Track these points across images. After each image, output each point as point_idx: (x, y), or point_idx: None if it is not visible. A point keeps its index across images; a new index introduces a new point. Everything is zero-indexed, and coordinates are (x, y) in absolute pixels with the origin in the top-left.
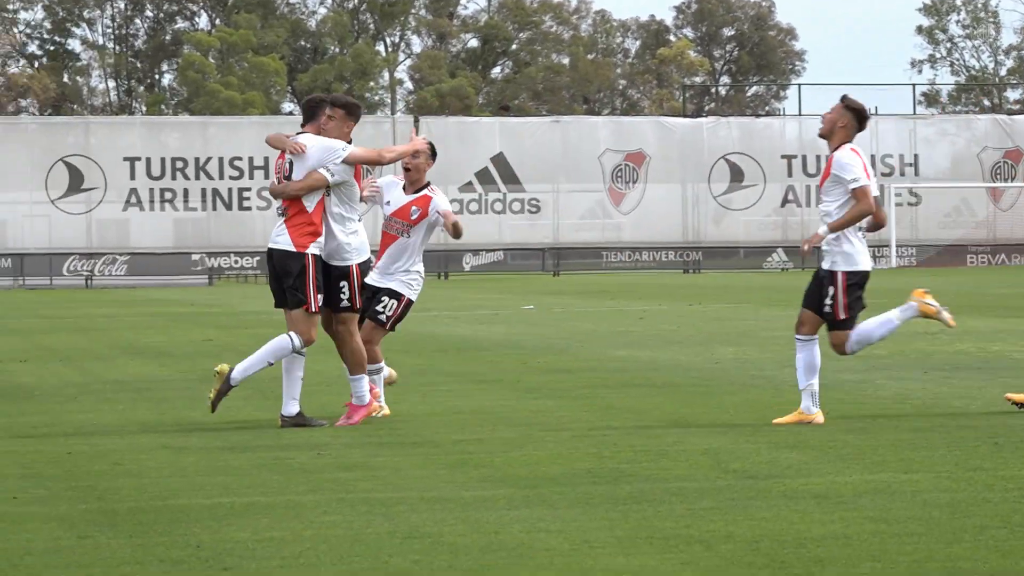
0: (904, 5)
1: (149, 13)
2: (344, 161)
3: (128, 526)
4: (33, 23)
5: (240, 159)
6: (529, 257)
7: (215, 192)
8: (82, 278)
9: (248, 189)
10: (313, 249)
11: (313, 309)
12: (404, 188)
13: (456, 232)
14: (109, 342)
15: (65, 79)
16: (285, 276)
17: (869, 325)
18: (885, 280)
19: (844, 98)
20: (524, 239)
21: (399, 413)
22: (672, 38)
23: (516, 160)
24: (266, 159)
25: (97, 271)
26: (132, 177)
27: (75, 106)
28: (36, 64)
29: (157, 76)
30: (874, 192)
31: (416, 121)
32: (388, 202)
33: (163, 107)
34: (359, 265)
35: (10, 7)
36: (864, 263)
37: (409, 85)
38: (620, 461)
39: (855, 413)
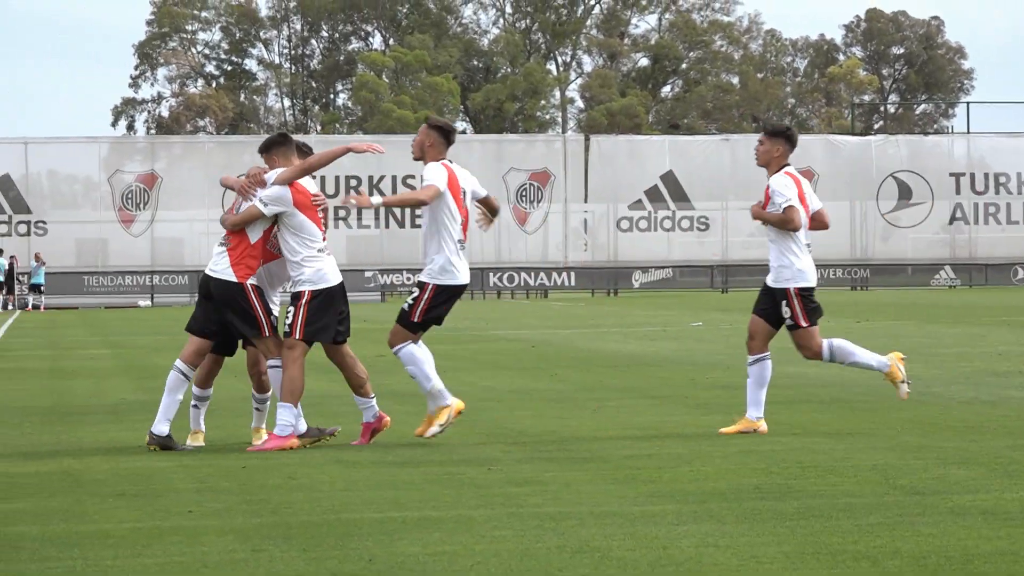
0: None
1: (324, 33)
2: (274, 184)
3: (301, 539)
4: (211, 44)
5: (412, 177)
6: (698, 274)
7: (388, 210)
8: None
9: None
10: (252, 280)
11: (267, 333)
12: None
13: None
14: None
15: (242, 99)
16: (227, 308)
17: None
18: None
19: (427, 118)
20: (693, 256)
21: (569, 428)
22: (841, 57)
23: (685, 178)
24: None
25: None
26: None
27: (251, 125)
28: (214, 84)
29: (332, 95)
30: (478, 194)
31: (587, 140)
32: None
33: (337, 126)
34: (327, 289)
35: (188, 28)
36: (457, 278)
37: (580, 104)
38: (787, 477)
39: (1023, 430)
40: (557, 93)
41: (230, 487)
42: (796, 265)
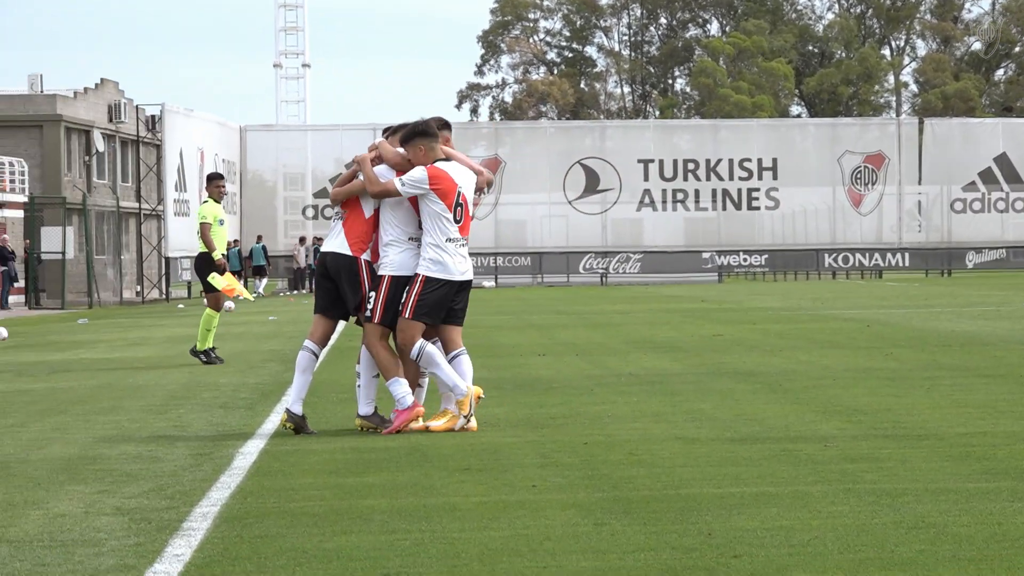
0: None
1: (663, 20)
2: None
3: (642, 514)
4: (552, 31)
5: (749, 160)
6: None
7: (725, 192)
8: (597, 276)
9: (757, 189)
10: (366, 256)
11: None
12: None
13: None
14: (623, 337)
15: (582, 85)
16: (340, 278)
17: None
18: None
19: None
20: None
21: (904, 406)
22: None
23: (1019, 160)
24: (774, 160)
25: (611, 269)
26: (645, 179)
27: (592, 111)
28: (555, 71)
29: (670, 81)
30: None
31: (921, 123)
32: None
33: (675, 111)
34: (405, 278)
35: (531, 17)
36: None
37: (914, 88)
38: None
39: None
40: (891, 77)
41: (572, 462)
42: (427, 255)
